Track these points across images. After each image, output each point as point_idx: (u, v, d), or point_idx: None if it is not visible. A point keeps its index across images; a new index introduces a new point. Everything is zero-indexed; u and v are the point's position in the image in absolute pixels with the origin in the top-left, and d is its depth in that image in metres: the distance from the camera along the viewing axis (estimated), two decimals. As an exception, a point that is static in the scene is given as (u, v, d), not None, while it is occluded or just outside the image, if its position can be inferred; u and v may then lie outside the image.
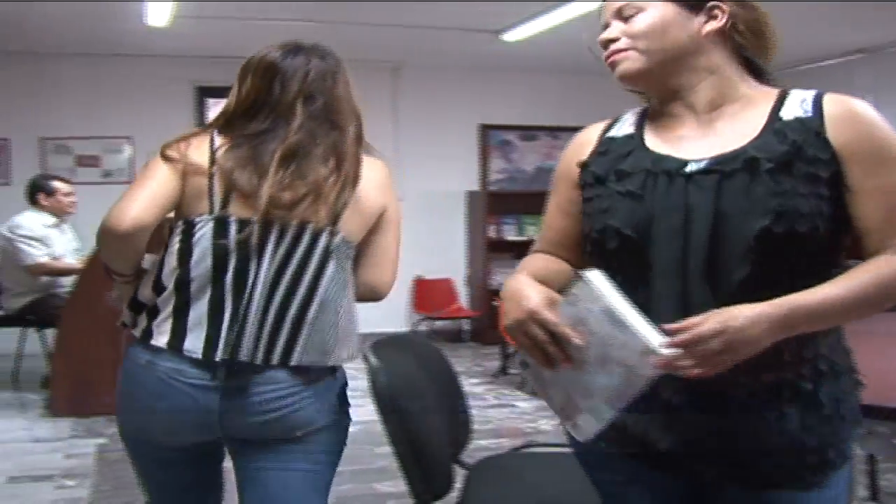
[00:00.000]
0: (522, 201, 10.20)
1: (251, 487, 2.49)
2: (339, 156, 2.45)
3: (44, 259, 7.25)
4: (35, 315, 7.35)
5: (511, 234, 10.42)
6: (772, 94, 1.90)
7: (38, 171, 8.47)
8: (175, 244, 2.40)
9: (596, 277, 1.75)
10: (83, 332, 6.61)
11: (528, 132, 10.70)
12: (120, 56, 9.19)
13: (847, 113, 1.82)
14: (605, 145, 2.02)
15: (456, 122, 10.43)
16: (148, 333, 2.37)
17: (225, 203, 2.38)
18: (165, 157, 2.41)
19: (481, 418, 6.30)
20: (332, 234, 2.42)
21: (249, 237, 2.35)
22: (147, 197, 2.35)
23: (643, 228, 1.86)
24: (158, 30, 7.93)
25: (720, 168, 1.82)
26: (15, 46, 8.86)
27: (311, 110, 2.47)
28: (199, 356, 2.32)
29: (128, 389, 2.43)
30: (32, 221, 7.33)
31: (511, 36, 8.43)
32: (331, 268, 2.42)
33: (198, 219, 2.39)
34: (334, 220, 2.42)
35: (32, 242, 7.21)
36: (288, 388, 2.37)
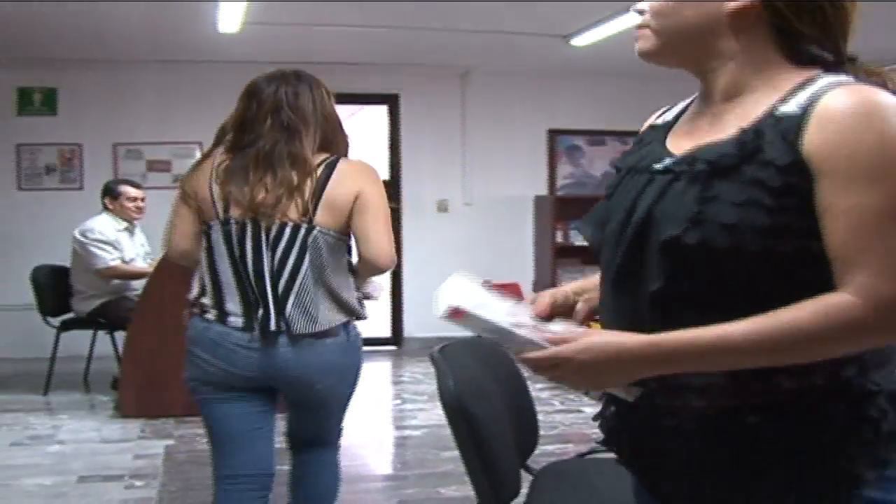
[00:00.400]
0: (590, 206, 10.03)
1: (289, 420, 3.43)
2: (293, 158, 3.06)
3: (115, 262, 7.33)
4: (105, 318, 7.45)
5: (579, 240, 10.33)
6: (793, 83, 1.60)
7: (110, 177, 8.58)
8: (203, 246, 3.14)
9: (449, 283, 1.72)
10: (152, 335, 6.68)
11: (597, 137, 10.63)
12: (191, 63, 9.29)
13: (837, 112, 1.50)
14: (643, 135, 1.88)
15: (524, 126, 10.39)
16: (203, 311, 3.13)
17: (226, 208, 3.07)
18: (182, 194, 3.20)
19: (547, 423, 6.27)
20: (309, 228, 3.06)
21: (245, 235, 3.05)
22: (179, 232, 3.21)
23: (602, 230, 1.78)
24: (228, 36, 7.99)
25: (675, 168, 1.64)
26: (92, 55, 8.98)
27: (276, 122, 3.08)
28: (241, 326, 3.08)
29: (190, 348, 3.17)
30: (104, 225, 7.42)
31: (580, 41, 8.38)
32: (310, 254, 3.06)
33: (211, 223, 3.10)
34: (309, 216, 3.05)
35: (104, 246, 7.30)
36: (305, 350, 3.10)
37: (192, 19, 7.70)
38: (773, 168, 1.52)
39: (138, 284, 7.31)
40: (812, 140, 1.50)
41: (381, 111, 10.41)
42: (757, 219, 1.51)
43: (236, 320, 3.08)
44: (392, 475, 5.52)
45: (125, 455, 5.83)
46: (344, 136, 3.26)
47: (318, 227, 3.06)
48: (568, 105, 10.46)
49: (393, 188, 9.90)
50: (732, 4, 1.63)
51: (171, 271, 6.68)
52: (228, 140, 3.17)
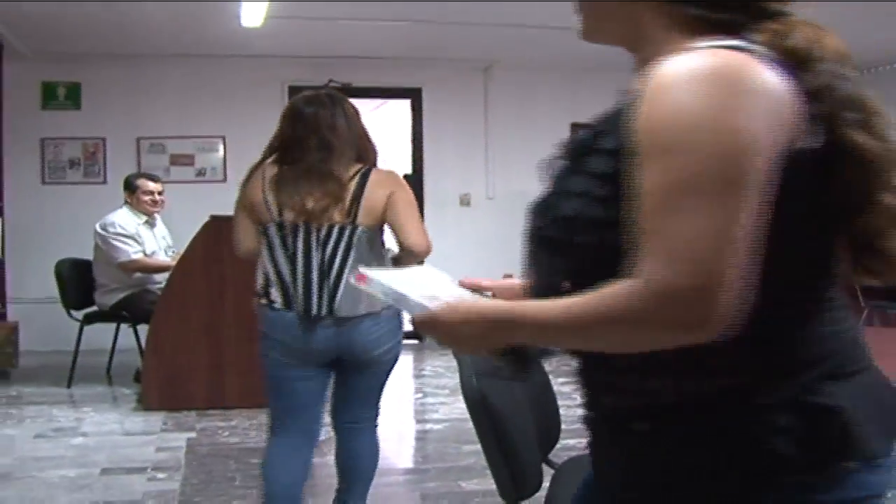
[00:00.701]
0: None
1: (337, 387, 3.92)
2: (332, 175, 3.56)
3: (137, 256, 7.36)
4: (128, 311, 7.46)
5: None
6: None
7: (134, 171, 8.61)
8: (263, 245, 3.66)
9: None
10: (175, 329, 6.70)
11: (620, 132, 10.59)
12: (214, 57, 9.31)
13: (657, 82, 1.36)
14: None
15: (547, 120, 10.32)
16: (271, 301, 3.66)
17: (280, 213, 3.59)
18: (240, 203, 3.71)
19: (569, 417, 6.23)
20: (353, 228, 3.60)
21: (297, 235, 3.59)
22: (243, 236, 3.74)
23: None
24: (252, 30, 7.99)
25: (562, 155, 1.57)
26: (115, 50, 9.01)
27: (317, 142, 3.57)
28: (302, 312, 3.61)
29: (266, 332, 3.70)
30: (124, 219, 7.45)
31: (603, 34, 8.35)
32: (355, 250, 3.60)
33: (268, 225, 3.64)
34: (352, 217, 3.58)
35: (125, 239, 7.33)
36: (361, 326, 3.66)
37: (216, 14, 7.71)
38: (604, 154, 1.41)
39: (161, 278, 7.33)
40: (639, 117, 1.36)
41: (404, 105, 10.41)
42: (591, 211, 1.41)
43: (299, 309, 3.61)
44: (413, 469, 5.53)
45: (148, 447, 5.84)
46: (374, 148, 3.76)
47: (360, 227, 3.61)
48: (591, 99, 10.25)
49: (415, 182, 9.89)
50: None
51: (193, 265, 6.73)
52: (276, 155, 3.66)
